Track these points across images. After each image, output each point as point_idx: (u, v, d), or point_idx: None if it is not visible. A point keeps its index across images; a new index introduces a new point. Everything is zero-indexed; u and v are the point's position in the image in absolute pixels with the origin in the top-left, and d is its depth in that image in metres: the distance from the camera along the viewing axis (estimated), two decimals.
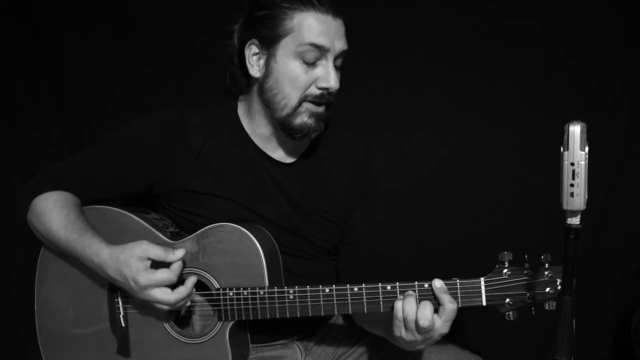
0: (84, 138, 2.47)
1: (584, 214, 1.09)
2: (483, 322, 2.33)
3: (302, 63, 1.47)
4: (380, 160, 1.75)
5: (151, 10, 2.41)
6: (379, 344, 1.65)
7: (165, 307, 1.46)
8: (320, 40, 1.46)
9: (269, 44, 1.49)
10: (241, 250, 1.50)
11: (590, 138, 1.06)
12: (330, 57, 1.48)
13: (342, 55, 1.51)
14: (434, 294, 1.36)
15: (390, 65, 2.37)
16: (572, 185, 1.06)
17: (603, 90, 2.33)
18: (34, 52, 2.43)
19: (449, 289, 1.37)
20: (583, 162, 1.06)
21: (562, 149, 1.07)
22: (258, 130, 1.60)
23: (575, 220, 1.09)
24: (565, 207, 1.08)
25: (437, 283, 1.37)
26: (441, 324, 1.34)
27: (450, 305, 1.33)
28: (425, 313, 1.32)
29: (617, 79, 2.33)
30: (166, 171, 1.58)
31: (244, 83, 1.59)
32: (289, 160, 1.63)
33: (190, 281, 1.47)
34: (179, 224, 1.64)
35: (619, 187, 2.37)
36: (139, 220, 1.59)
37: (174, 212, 1.63)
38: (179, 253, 1.45)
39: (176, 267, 1.45)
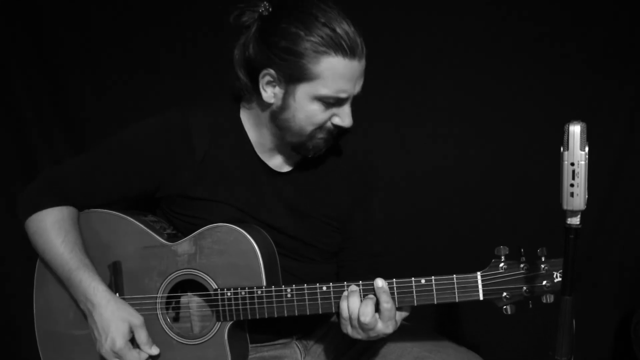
0: (84, 137, 2.46)
1: (584, 214, 1.09)
2: (482, 319, 2.33)
3: (322, 104, 1.45)
4: (379, 155, 1.75)
5: (152, 9, 2.40)
6: (379, 342, 1.65)
7: None
8: (344, 94, 1.43)
9: (288, 81, 1.43)
10: (238, 251, 1.49)
11: (590, 138, 1.06)
12: (349, 100, 1.47)
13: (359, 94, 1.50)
14: (374, 293, 1.40)
15: (391, 60, 2.36)
16: (572, 185, 1.06)
17: (603, 90, 2.33)
18: (34, 52, 2.42)
19: (446, 285, 1.38)
20: (583, 162, 1.05)
21: (562, 149, 1.07)
22: (261, 139, 1.59)
23: (575, 220, 1.09)
24: (565, 207, 1.08)
25: (379, 282, 1.40)
26: (382, 324, 1.39)
27: (385, 305, 1.38)
28: (366, 310, 1.38)
29: (617, 79, 2.32)
30: (169, 176, 1.57)
31: (249, 93, 1.53)
32: (288, 166, 1.62)
33: None
34: (177, 226, 1.63)
35: (618, 187, 2.37)
36: (136, 222, 1.59)
37: (173, 216, 1.63)
38: (154, 351, 1.52)
39: (144, 359, 1.51)
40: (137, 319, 1.51)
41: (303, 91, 1.43)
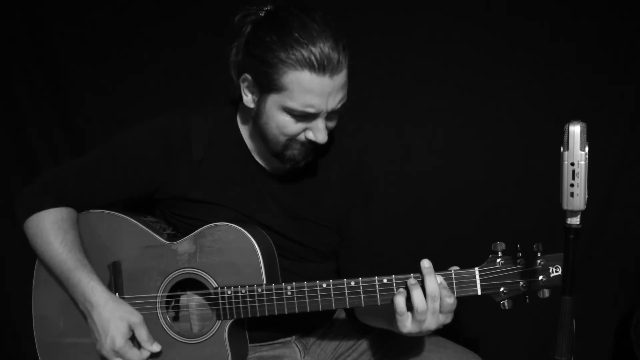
0: (84, 137, 2.47)
1: (584, 214, 1.09)
2: (481, 319, 2.33)
3: (292, 117, 1.42)
4: (379, 155, 1.74)
5: (152, 9, 2.40)
6: (379, 343, 1.66)
7: None
8: (311, 109, 1.39)
9: (260, 89, 1.43)
10: (238, 249, 1.50)
11: (590, 138, 1.06)
12: (322, 116, 1.42)
13: (339, 109, 1.45)
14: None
15: (391, 60, 2.36)
16: (572, 185, 1.06)
17: (603, 90, 2.33)
18: (34, 52, 2.42)
19: (444, 280, 1.37)
20: (583, 162, 1.06)
21: (562, 149, 1.07)
22: (255, 143, 1.59)
23: (575, 220, 1.09)
24: (565, 207, 1.08)
25: (440, 278, 1.36)
26: (443, 317, 1.36)
27: (447, 300, 1.34)
28: (442, 291, 1.34)
29: (617, 79, 2.32)
30: (168, 179, 1.58)
31: (239, 96, 1.53)
32: (284, 169, 1.61)
33: None
34: (176, 227, 1.64)
35: (619, 187, 2.37)
36: (136, 222, 1.59)
37: (172, 217, 1.63)
38: (156, 348, 1.52)
39: (145, 356, 1.51)
40: (136, 317, 1.51)
41: (272, 101, 1.41)
